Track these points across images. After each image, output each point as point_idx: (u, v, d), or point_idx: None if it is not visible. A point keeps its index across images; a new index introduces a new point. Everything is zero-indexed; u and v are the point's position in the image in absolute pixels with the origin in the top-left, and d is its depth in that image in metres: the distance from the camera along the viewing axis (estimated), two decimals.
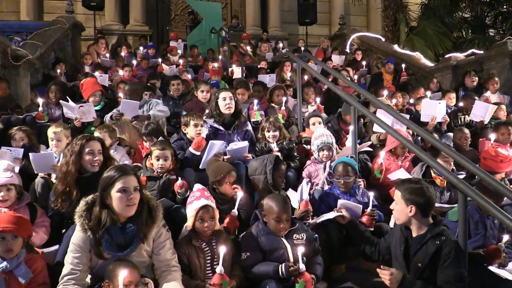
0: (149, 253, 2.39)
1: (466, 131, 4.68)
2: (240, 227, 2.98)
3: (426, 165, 3.55)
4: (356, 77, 7.91)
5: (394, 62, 8.18)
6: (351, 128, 3.94)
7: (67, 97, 4.78)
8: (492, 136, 4.21)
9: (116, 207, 2.29)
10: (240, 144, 3.83)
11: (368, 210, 3.06)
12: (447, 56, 7.90)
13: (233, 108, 4.12)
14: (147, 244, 2.36)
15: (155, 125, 4.16)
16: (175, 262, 2.42)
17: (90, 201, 2.34)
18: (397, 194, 2.53)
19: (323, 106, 5.37)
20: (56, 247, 2.63)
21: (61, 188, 2.78)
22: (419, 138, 4.60)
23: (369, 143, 4.37)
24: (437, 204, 3.39)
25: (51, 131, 3.76)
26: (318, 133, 3.86)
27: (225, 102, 4.08)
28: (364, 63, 9.02)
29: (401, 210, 2.49)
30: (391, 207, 2.59)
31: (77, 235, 2.29)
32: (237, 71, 7.54)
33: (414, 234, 2.50)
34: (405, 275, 2.34)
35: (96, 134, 3.81)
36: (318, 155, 3.79)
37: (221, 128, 4.08)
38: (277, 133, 4.10)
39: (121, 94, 5.71)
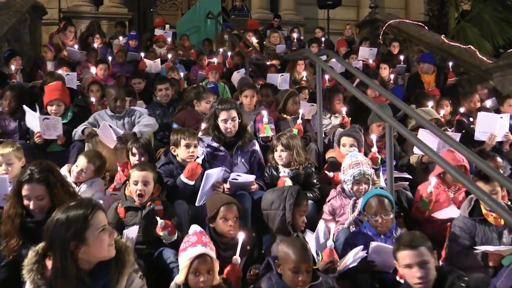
0: None
1: None
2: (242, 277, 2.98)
3: (476, 199, 3.53)
4: (392, 76, 7.88)
5: (433, 61, 8.05)
6: (385, 150, 3.94)
7: (33, 105, 4.82)
8: None
9: (97, 250, 2.30)
10: (245, 178, 3.82)
11: None
12: (510, 50, 7.90)
13: (236, 129, 4.11)
14: None
15: (147, 140, 4.21)
16: None
17: (41, 250, 2.34)
18: (422, 269, 2.66)
19: (349, 119, 5.36)
20: None
21: (3, 232, 2.88)
22: None
23: (406, 183, 4.33)
24: (491, 248, 3.38)
25: None
26: (354, 160, 3.75)
27: (226, 125, 4.06)
28: (401, 57, 8.98)
29: (431, 269, 2.70)
30: (414, 284, 2.68)
31: None
32: (235, 76, 7.38)
33: None
34: None
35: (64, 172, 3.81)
36: (352, 189, 3.74)
37: (222, 148, 4.09)
38: (285, 153, 4.09)
39: (93, 99, 5.76)
